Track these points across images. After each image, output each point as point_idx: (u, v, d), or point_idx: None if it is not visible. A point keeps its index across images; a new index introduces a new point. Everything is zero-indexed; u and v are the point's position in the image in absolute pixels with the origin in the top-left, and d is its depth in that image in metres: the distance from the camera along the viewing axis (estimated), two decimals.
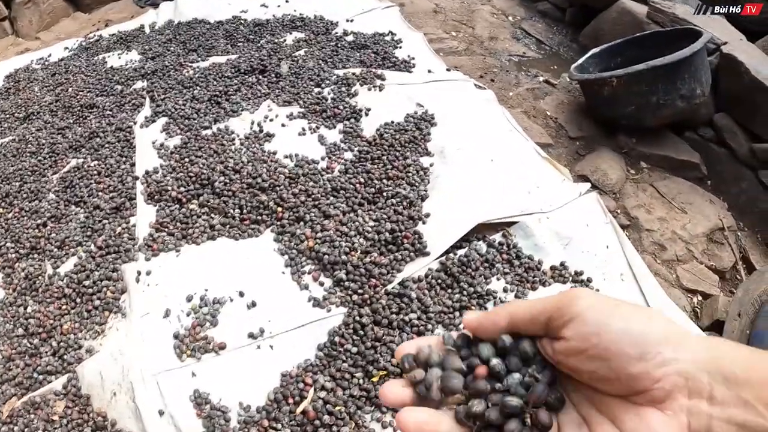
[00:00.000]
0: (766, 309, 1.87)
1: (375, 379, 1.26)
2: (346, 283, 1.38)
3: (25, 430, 1.26)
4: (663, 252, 1.95)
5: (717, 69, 2.28)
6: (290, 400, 1.23)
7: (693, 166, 2.25)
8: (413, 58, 2.21)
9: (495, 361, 0.39)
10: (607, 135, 2.20)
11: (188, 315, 1.36)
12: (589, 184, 1.83)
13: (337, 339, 1.30)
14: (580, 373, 0.36)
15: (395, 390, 0.41)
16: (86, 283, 1.51)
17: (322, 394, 1.22)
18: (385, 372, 1.25)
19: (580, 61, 2.26)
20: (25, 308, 1.51)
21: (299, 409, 1.22)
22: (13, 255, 1.64)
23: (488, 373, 0.39)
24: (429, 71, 2.13)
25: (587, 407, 0.37)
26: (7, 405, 1.34)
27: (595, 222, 1.71)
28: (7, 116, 2.25)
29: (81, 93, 2.26)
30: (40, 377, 1.37)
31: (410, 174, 1.66)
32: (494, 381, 0.39)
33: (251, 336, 1.30)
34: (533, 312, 0.38)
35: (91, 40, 2.66)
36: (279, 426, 1.20)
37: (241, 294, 1.38)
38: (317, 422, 1.18)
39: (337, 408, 1.21)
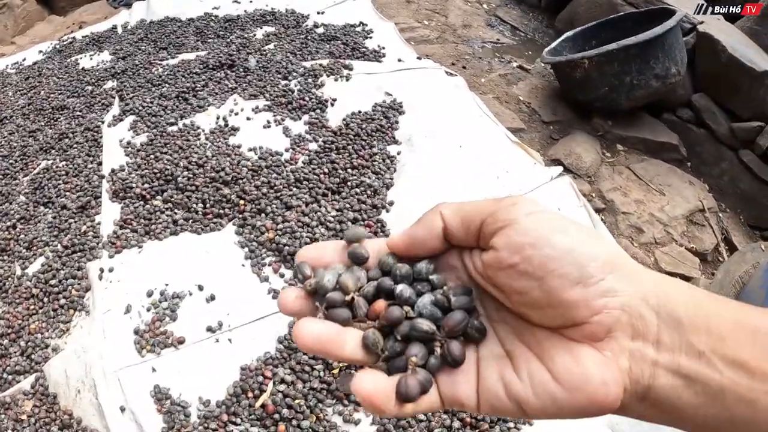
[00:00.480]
0: (746, 290, 1.84)
1: (336, 372, 1.25)
2: None
3: None
4: (640, 235, 1.92)
5: (694, 49, 2.25)
6: (250, 394, 1.21)
7: (672, 148, 2.21)
8: (383, 48, 2.18)
9: (401, 287, 0.32)
10: (582, 118, 2.17)
11: (148, 310, 1.35)
12: (561, 168, 1.81)
13: None
14: (508, 295, 0.31)
15: (291, 295, 0.33)
16: (52, 282, 1.50)
17: (282, 387, 1.21)
18: (346, 364, 1.23)
19: (553, 44, 2.22)
20: None
21: (258, 403, 1.20)
22: None
23: (389, 305, 0.33)
24: (399, 60, 2.11)
25: (512, 340, 0.31)
26: None
27: (568, 205, 1.69)
28: None
29: (53, 95, 2.25)
30: (10, 377, 1.37)
31: (376, 163, 1.64)
32: (407, 306, 0.32)
33: (209, 329, 1.29)
34: (463, 213, 0.32)
35: (65, 43, 2.65)
36: (238, 420, 1.18)
37: (201, 288, 1.36)
38: (277, 416, 1.17)
39: (297, 401, 1.19)
